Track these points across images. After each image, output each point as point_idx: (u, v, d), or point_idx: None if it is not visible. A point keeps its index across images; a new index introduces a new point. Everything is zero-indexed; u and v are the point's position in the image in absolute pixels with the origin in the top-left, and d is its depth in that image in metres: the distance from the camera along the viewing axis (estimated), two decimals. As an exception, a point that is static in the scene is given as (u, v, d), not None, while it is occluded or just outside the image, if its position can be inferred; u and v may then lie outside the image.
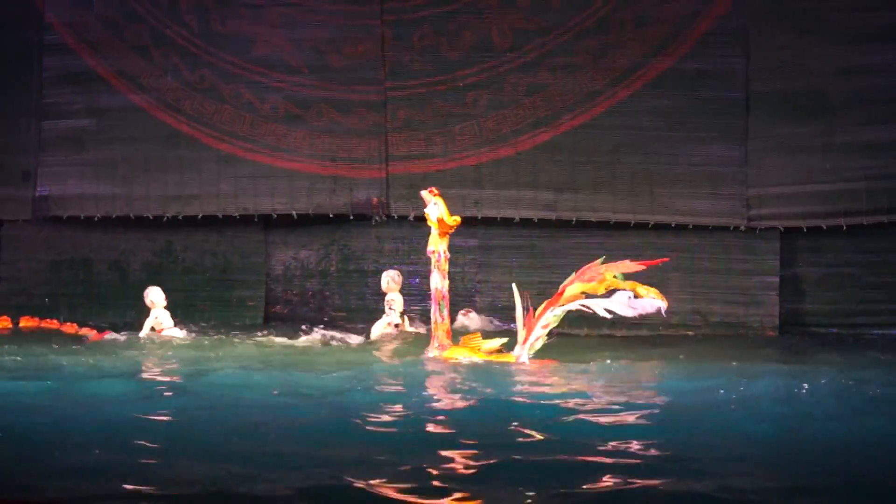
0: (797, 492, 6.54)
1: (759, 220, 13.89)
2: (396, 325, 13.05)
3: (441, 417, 8.57)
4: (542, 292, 11.70)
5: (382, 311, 13.20)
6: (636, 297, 10.96)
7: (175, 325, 13.28)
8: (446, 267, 11.36)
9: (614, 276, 10.96)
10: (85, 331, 13.89)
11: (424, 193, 11.43)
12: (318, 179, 14.73)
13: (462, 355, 11.07)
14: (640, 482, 6.51)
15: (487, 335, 11.80)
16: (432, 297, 11.34)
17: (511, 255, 14.60)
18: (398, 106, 14.58)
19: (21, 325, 14.41)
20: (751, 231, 13.94)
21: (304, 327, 13.37)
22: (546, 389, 9.84)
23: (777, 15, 13.78)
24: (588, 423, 8.19)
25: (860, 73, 13.58)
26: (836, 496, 6.44)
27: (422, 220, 11.52)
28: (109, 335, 13.35)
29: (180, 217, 14.93)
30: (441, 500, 6.21)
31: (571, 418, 8.38)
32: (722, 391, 9.41)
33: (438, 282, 11.30)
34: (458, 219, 11.36)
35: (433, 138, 14.52)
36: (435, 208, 11.26)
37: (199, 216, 14.91)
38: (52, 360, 11.19)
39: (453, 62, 14.48)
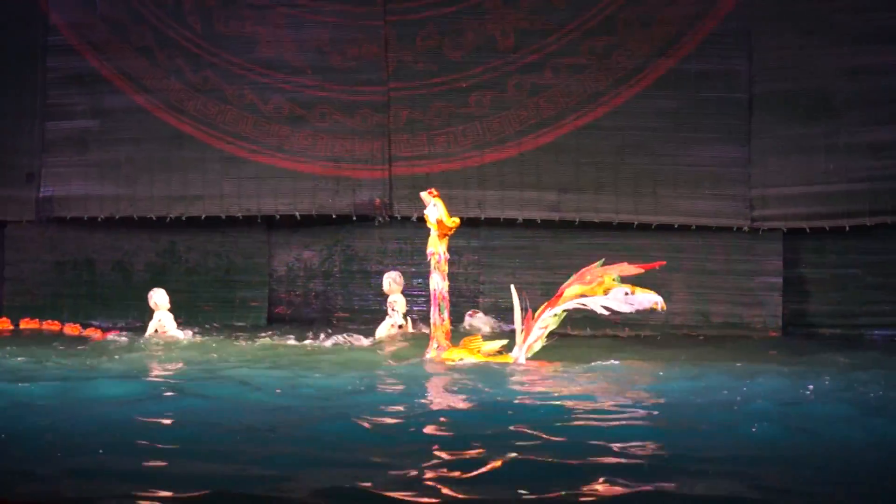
0: (798, 494, 6.53)
1: (762, 220, 13.88)
2: (400, 327, 13.06)
3: (440, 419, 8.55)
4: (545, 293, 11.73)
5: (385, 312, 13.20)
6: (632, 292, 10.99)
7: (178, 328, 13.28)
8: (446, 268, 11.37)
9: (613, 279, 10.97)
10: (89, 331, 13.91)
11: (424, 195, 11.43)
12: (321, 180, 14.73)
13: (461, 356, 11.08)
14: (640, 484, 6.50)
15: (491, 337, 11.82)
16: (432, 298, 11.35)
17: (514, 256, 14.60)
18: (401, 106, 14.58)
19: (22, 326, 14.40)
20: (754, 232, 13.93)
21: (310, 334, 13.31)
22: (547, 390, 9.83)
23: (780, 16, 13.77)
24: (589, 424, 8.18)
25: (863, 73, 13.56)
26: (837, 498, 6.43)
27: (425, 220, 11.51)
28: (112, 335, 13.37)
29: (184, 218, 14.94)
30: (440, 502, 6.22)
31: (572, 419, 8.37)
32: (726, 392, 9.40)
33: (438, 283, 11.30)
34: (457, 220, 11.36)
35: (436, 139, 14.52)
36: (434, 210, 11.26)
37: (203, 217, 14.91)
38: (55, 361, 11.19)
39: (456, 63, 14.48)
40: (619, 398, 9.32)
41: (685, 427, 8.15)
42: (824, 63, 13.67)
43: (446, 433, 8.01)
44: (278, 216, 14.93)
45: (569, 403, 9.04)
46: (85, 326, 14.18)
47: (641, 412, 8.72)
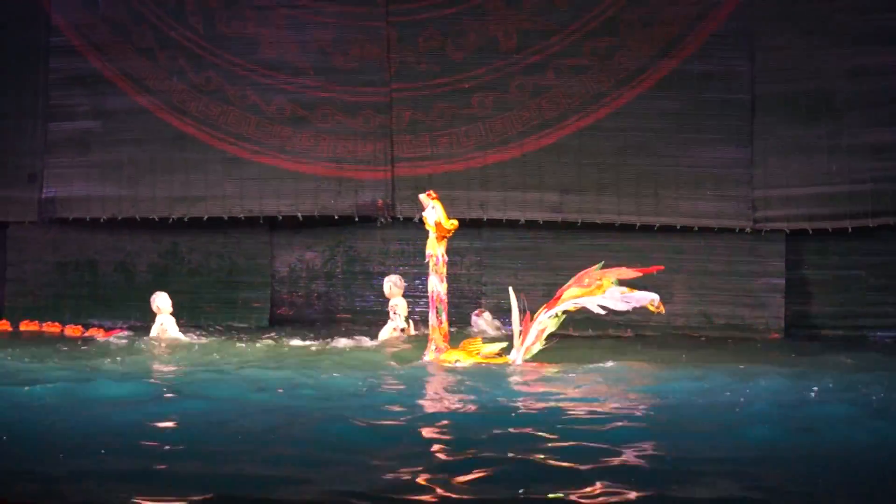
0: (800, 495, 6.53)
1: (764, 222, 13.87)
2: (402, 330, 13.05)
3: (438, 421, 8.56)
4: (547, 294, 11.73)
5: (387, 313, 13.20)
6: (628, 290, 11.01)
7: (180, 330, 13.26)
8: (444, 270, 11.36)
9: (612, 283, 10.99)
10: (92, 331, 13.91)
11: (422, 197, 11.42)
12: (323, 181, 14.73)
13: (456, 358, 11.08)
14: (639, 486, 6.50)
15: (496, 339, 11.83)
16: (430, 300, 11.36)
17: (516, 257, 14.60)
18: (403, 107, 14.58)
19: (21, 329, 14.40)
20: (756, 233, 13.92)
21: (313, 336, 13.30)
22: (547, 392, 9.82)
23: (782, 17, 13.76)
24: (589, 425, 8.17)
25: (866, 74, 13.55)
26: (839, 500, 6.43)
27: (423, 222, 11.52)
28: (115, 335, 13.39)
29: (186, 219, 14.93)
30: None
31: (572, 421, 8.36)
32: (727, 393, 9.40)
33: (436, 285, 11.30)
34: (455, 222, 11.36)
35: (438, 140, 14.52)
36: (433, 212, 11.25)
37: (205, 218, 14.91)
38: (57, 362, 11.20)
39: (458, 64, 14.48)
40: (619, 399, 9.32)
41: (686, 428, 8.14)
42: (826, 64, 13.66)
43: (445, 435, 8.01)
44: (280, 217, 14.93)
45: (569, 405, 9.04)
46: (87, 327, 14.19)
47: (642, 413, 8.72)
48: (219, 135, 14.87)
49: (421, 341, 11.93)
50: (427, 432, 8.03)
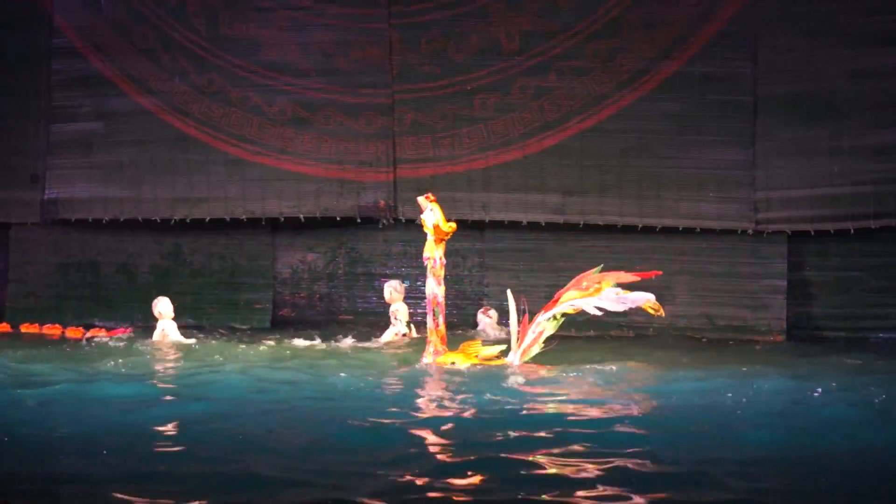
0: (802, 497, 6.54)
1: (766, 223, 13.85)
2: (404, 335, 13.07)
3: (437, 423, 8.57)
4: (549, 295, 11.73)
5: (388, 320, 13.24)
6: (624, 291, 11.06)
7: (183, 334, 13.23)
8: (442, 273, 11.39)
9: (610, 286, 11.02)
10: (94, 332, 13.92)
11: (421, 199, 11.45)
12: (325, 182, 14.72)
13: (457, 360, 11.09)
14: (639, 489, 6.50)
15: (498, 341, 11.84)
16: (427, 303, 11.38)
17: (518, 259, 14.59)
18: (406, 109, 14.57)
19: (22, 331, 14.39)
20: (758, 234, 13.90)
21: (317, 337, 13.32)
22: (547, 393, 9.83)
23: (785, 18, 13.75)
24: (590, 427, 8.17)
25: (868, 76, 13.53)
26: (841, 502, 6.44)
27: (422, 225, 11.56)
28: (116, 335, 13.42)
29: (188, 220, 14.93)
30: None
31: (573, 423, 8.37)
32: (729, 395, 9.40)
33: (434, 288, 11.32)
34: (453, 225, 11.38)
35: (441, 141, 14.52)
36: (431, 214, 11.27)
37: (207, 219, 14.90)
38: (58, 364, 11.20)
39: (461, 65, 14.47)
40: (620, 401, 9.32)
41: (687, 430, 8.15)
42: (829, 66, 13.64)
43: (444, 437, 8.02)
44: (282, 218, 14.93)
45: (569, 406, 9.05)
46: (88, 328, 14.20)
47: (643, 415, 8.72)
48: (221, 136, 14.87)
49: (421, 344, 11.96)
50: (426, 434, 8.04)
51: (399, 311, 13.22)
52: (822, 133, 13.66)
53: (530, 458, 7.19)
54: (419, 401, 9.66)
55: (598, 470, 6.91)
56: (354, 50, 14.65)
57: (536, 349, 11.19)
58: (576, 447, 7.51)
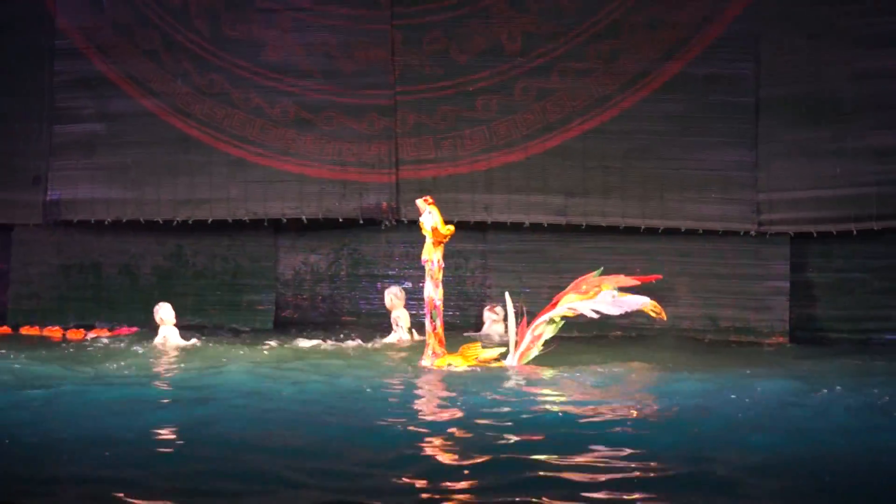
0: (804, 500, 6.53)
1: (769, 224, 13.85)
2: (407, 342, 13.07)
3: (435, 425, 8.57)
4: (551, 297, 11.73)
5: (389, 325, 13.27)
6: (620, 294, 11.08)
7: (184, 336, 13.21)
8: (440, 276, 11.39)
9: (610, 289, 11.03)
10: (95, 332, 13.92)
11: (419, 202, 11.45)
12: (327, 184, 14.72)
13: (455, 363, 11.11)
14: (640, 491, 6.50)
15: (498, 344, 11.85)
16: (425, 306, 11.38)
17: (521, 260, 14.58)
18: (408, 110, 14.57)
19: (22, 333, 14.39)
20: (761, 236, 13.90)
21: (322, 337, 13.34)
22: (548, 395, 9.83)
23: (788, 20, 13.74)
24: (591, 430, 8.16)
25: (871, 77, 13.51)
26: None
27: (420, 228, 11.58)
28: (119, 335, 13.44)
29: (190, 221, 14.93)
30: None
31: (573, 424, 8.36)
32: (733, 396, 9.40)
33: (431, 291, 11.32)
34: (451, 228, 11.39)
35: (443, 143, 14.52)
36: (429, 217, 11.27)
37: (210, 220, 14.90)
38: (58, 366, 11.20)
39: (463, 66, 14.46)
40: (623, 402, 9.32)
41: (690, 432, 8.14)
42: (832, 67, 13.62)
43: (444, 438, 8.02)
44: (285, 220, 14.93)
45: (571, 408, 9.04)
46: (89, 329, 14.20)
47: (644, 417, 8.72)
48: (223, 137, 14.87)
49: (420, 346, 11.96)
50: (425, 435, 8.04)
51: (400, 317, 13.23)
52: (825, 134, 13.65)
53: (531, 459, 7.18)
54: (418, 402, 9.67)
55: (600, 471, 6.91)
56: (356, 51, 14.65)
57: (535, 352, 11.21)
58: (577, 448, 7.51)
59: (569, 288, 11.32)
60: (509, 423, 8.34)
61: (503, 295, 13.90)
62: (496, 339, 13.06)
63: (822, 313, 14.04)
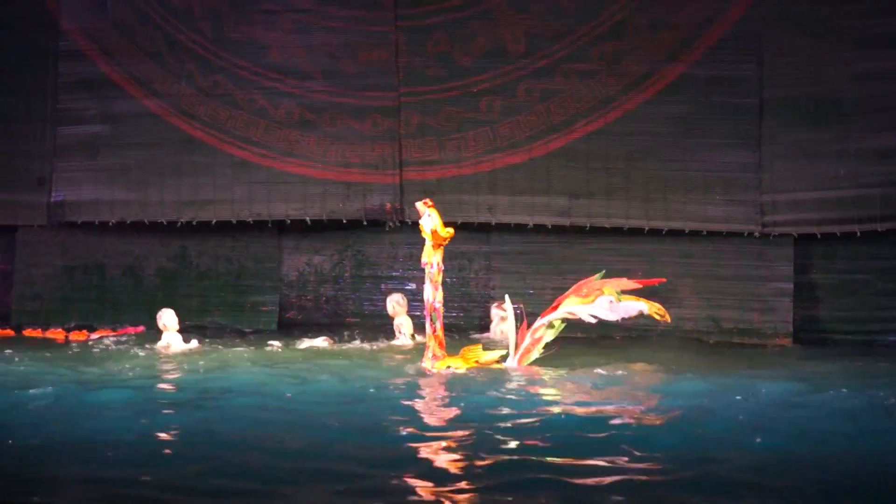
0: (807, 501, 6.53)
1: (772, 226, 13.84)
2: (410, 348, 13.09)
3: (436, 426, 8.58)
4: (554, 298, 11.72)
5: (392, 332, 13.29)
6: (617, 301, 11.08)
7: (186, 338, 13.20)
8: (440, 279, 11.41)
9: (614, 292, 11.04)
10: (99, 332, 13.93)
11: (419, 205, 11.47)
12: (331, 185, 14.72)
13: (454, 364, 11.11)
14: (640, 494, 6.50)
15: (496, 347, 11.87)
16: (425, 309, 11.39)
17: (524, 261, 14.58)
18: (412, 112, 14.57)
19: (25, 335, 14.39)
20: (764, 237, 13.89)
21: (328, 336, 13.36)
22: (550, 396, 9.84)
23: (790, 21, 13.73)
24: (593, 433, 8.16)
25: (874, 79, 13.50)
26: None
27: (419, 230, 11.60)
28: (128, 333, 13.48)
29: (194, 222, 14.94)
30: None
31: (576, 426, 8.36)
32: (738, 398, 9.40)
33: (430, 294, 11.32)
34: (451, 231, 11.40)
35: (447, 144, 14.52)
36: (429, 220, 11.28)
37: (214, 222, 14.91)
38: (61, 368, 11.21)
39: (467, 68, 14.46)
40: (625, 404, 9.32)
41: (693, 433, 8.14)
42: (835, 68, 13.61)
43: (444, 439, 8.02)
44: (289, 221, 14.93)
45: (573, 409, 9.05)
46: (92, 331, 14.20)
47: (646, 419, 8.72)
48: (227, 138, 14.88)
49: (422, 348, 11.97)
50: (425, 436, 8.05)
51: (403, 324, 13.24)
52: (828, 136, 13.64)
53: (532, 461, 7.19)
54: (419, 402, 9.67)
55: (603, 473, 6.91)
56: (360, 52, 14.65)
57: (536, 354, 11.22)
58: (580, 449, 7.51)
59: (570, 291, 11.33)
60: (511, 425, 8.35)
61: (506, 296, 13.97)
62: (500, 337, 13.05)
63: (825, 315, 14.01)
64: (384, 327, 13.64)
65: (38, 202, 15.24)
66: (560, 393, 10.02)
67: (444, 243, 11.32)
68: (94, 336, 13.87)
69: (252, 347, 12.85)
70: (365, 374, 10.85)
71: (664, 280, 12.04)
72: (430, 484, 6.68)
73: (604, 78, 14.17)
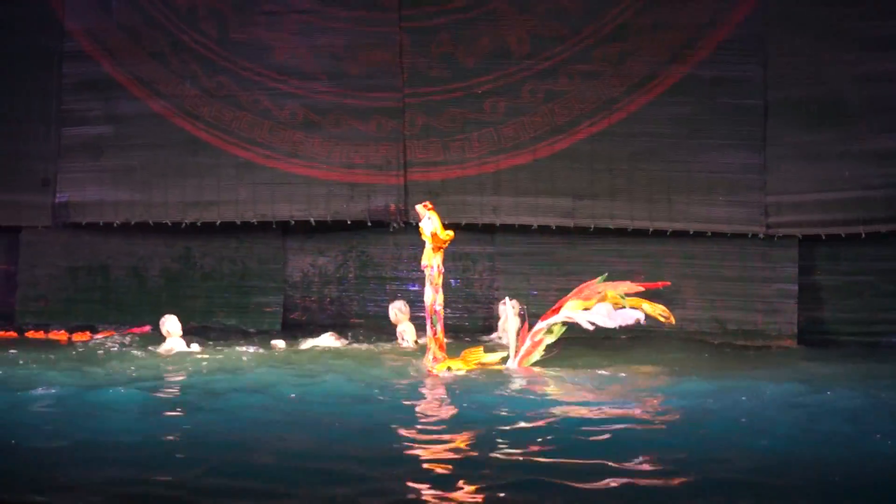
0: (806, 500, 6.52)
1: (777, 227, 13.83)
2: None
3: (436, 426, 8.57)
4: (559, 299, 11.72)
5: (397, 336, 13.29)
6: (620, 305, 11.10)
7: (188, 341, 13.19)
8: (439, 281, 11.42)
9: (618, 296, 11.05)
10: (102, 333, 13.94)
11: (419, 207, 11.48)
12: (335, 186, 14.72)
13: (454, 366, 11.12)
14: (640, 495, 6.50)
15: (497, 349, 11.87)
16: (426, 311, 11.39)
17: (529, 262, 14.57)
18: (416, 113, 14.58)
19: (28, 336, 14.39)
20: (769, 238, 13.88)
21: (330, 334, 13.37)
22: (552, 397, 9.84)
23: (794, 22, 13.73)
24: (596, 435, 8.15)
25: (878, 80, 13.50)
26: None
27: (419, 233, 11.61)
28: (134, 332, 13.49)
29: (199, 223, 14.94)
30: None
31: (577, 427, 8.35)
32: (743, 398, 9.40)
33: (431, 296, 11.33)
34: (451, 233, 11.41)
35: (451, 145, 14.52)
36: (429, 222, 11.29)
37: (218, 222, 14.91)
38: (65, 369, 11.22)
39: (471, 69, 14.46)
40: (627, 405, 9.31)
41: (697, 434, 8.13)
42: (839, 70, 13.60)
43: (444, 440, 8.02)
44: (293, 222, 14.93)
45: (575, 410, 9.04)
46: (95, 332, 14.21)
47: (648, 421, 8.71)
48: (231, 140, 14.89)
49: (422, 349, 11.97)
50: (426, 437, 8.04)
51: (406, 331, 13.24)
52: (832, 137, 13.64)
53: (534, 461, 7.18)
54: (420, 403, 9.68)
55: (605, 474, 6.91)
56: (364, 54, 14.65)
57: (536, 356, 11.22)
58: (581, 450, 7.51)
59: (572, 293, 11.33)
60: (512, 426, 8.34)
61: (510, 298, 13.98)
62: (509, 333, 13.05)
63: (830, 316, 14.00)
64: (389, 328, 13.63)
65: (43, 203, 15.25)
66: (563, 394, 10.02)
67: (445, 246, 11.33)
68: (98, 336, 13.87)
69: (255, 348, 12.83)
70: (368, 374, 10.85)
71: (668, 283, 12.04)
72: (431, 485, 6.68)
73: (608, 79, 14.17)
